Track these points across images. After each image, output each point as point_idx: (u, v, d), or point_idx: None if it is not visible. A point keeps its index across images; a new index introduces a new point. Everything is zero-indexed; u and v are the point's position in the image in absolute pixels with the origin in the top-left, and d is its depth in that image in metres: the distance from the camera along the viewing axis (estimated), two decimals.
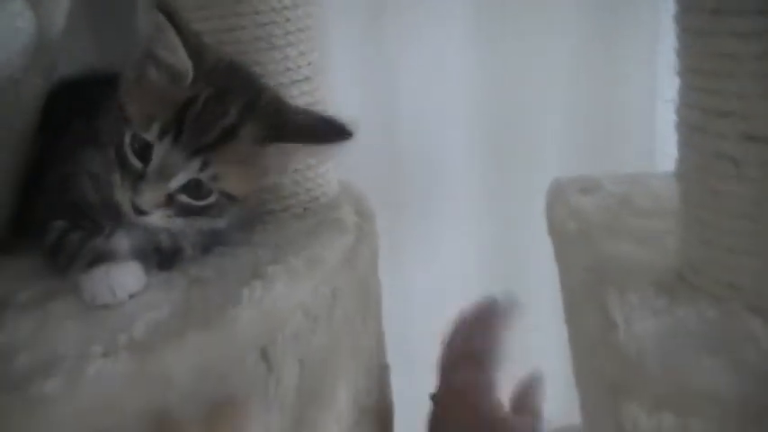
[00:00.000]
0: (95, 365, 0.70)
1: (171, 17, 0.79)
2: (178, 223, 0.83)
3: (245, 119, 0.82)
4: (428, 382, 1.49)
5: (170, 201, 0.81)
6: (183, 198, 0.81)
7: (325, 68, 1.09)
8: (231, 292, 0.82)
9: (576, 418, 0.94)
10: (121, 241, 0.85)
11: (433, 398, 1.14)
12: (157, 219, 0.81)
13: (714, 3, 0.66)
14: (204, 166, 0.80)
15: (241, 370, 0.79)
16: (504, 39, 1.38)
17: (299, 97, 1.00)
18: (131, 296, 0.82)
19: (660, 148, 1.39)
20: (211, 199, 0.82)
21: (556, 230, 1.00)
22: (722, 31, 0.66)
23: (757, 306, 0.68)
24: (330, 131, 0.85)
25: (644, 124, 1.41)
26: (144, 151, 0.80)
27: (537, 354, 1.59)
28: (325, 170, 1.08)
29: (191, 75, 0.81)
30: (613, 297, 0.73)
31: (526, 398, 1.17)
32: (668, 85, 0.80)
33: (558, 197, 1.05)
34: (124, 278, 0.83)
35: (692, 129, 0.73)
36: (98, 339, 0.74)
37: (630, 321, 0.68)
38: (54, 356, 0.72)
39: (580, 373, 0.76)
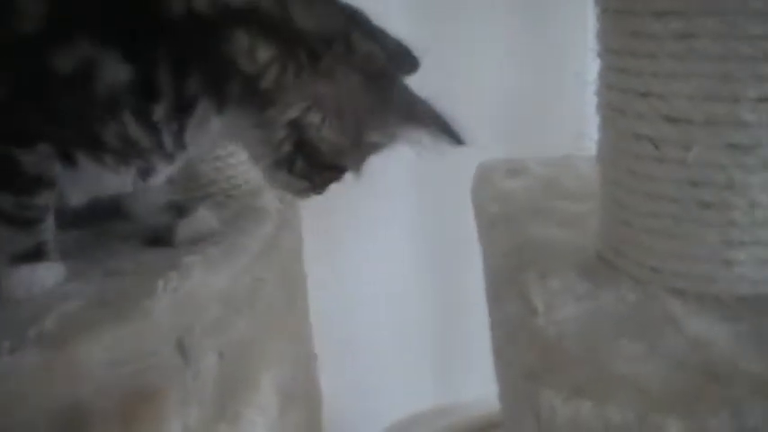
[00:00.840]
0: (3, 361, 0.70)
1: None
2: None
3: None
4: (362, 371, 1.50)
5: None
6: None
7: None
8: (147, 283, 0.82)
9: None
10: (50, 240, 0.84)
11: None
12: None
13: None
14: None
15: (157, 362, 0.78)
16: (436, 23, 1.39)
17: None
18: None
19: (590, 131, 1.44)
20: None
21: (480, 214, 1.01)
22: (641, 11, 0.67)
23: (677, 288, 0.70)
24: None
25: (575, 107, 1.44)
26: None
27: (475, 345, 1.62)
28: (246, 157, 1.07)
29: None
30: (535, 282, 0.74)
31: None
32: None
33: (483, 180, 1.07)
34: (45, 277, 0.83)
35: (611, 110, 0.74)
36: (7, 334, 0.73)
37: (551, 306, 0.69)
38: None
39: (500, 359, 0.77)
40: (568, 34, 1.41)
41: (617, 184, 0.75)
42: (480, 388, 1.60)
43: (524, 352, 0.66)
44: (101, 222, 0.97)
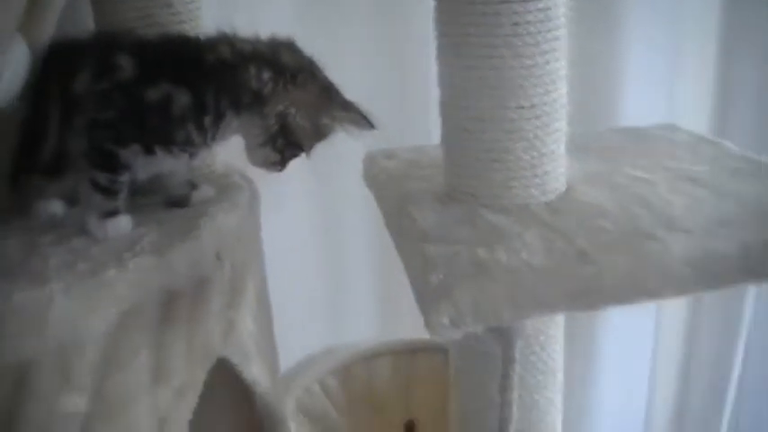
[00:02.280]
0: (130, 263, 1.06)
1: None
2: None
3: None
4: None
5: None
6: None
7: None
8: (192, 222, 1.19)
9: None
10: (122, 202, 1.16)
11: None
12: None
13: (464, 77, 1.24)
14: None
15: (206, 265, 1.21)
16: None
17: None
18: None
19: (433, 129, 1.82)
20: None
21: (372, 181, 1.44)
22: (456, 65, 1.18)
23: (484, 204, 1.17)
24: None
25: (422, 109, 1.84)
26: None
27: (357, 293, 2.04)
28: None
29: None
30: (413, 208, 1.22)
31: None
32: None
33: (371, 162, 1.49)
34: (124, 224, 1.18)
35: (447, 114, 1.21)
36: (123, 250, 1.08)
37: (423, 217, 1.18)
38: (106, 258, 1.06)
39: (399, 244, 1.21)
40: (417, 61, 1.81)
41: (453, 155, 1.17)
42: (363, 329, 2.10)
43: (414, 236, 1.10)
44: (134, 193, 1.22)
